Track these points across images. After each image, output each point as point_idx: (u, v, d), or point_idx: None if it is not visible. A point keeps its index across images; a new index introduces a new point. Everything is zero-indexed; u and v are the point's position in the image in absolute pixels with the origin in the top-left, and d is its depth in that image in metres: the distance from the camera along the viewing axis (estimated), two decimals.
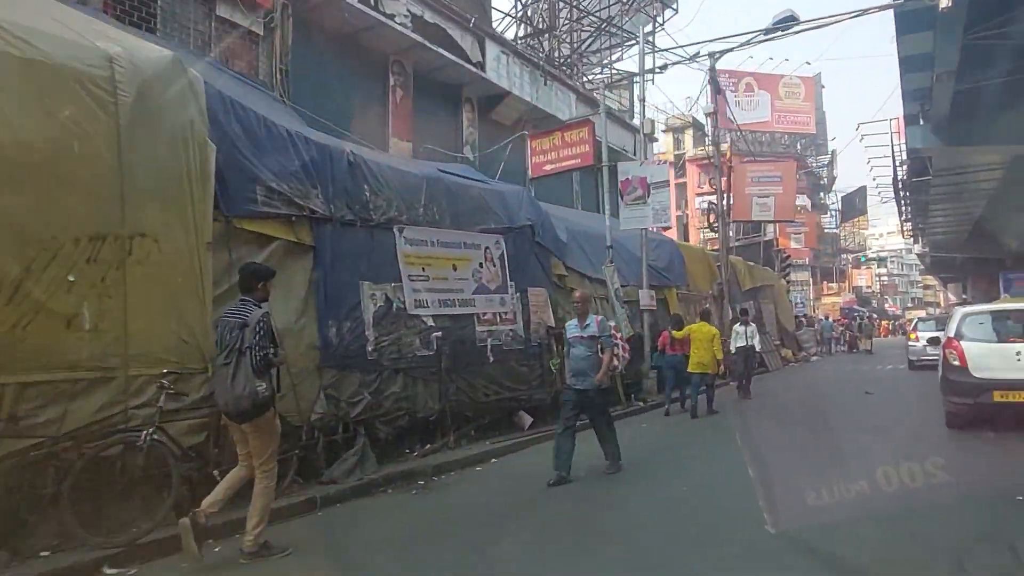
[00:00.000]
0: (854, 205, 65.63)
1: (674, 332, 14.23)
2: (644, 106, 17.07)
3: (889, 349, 35.20)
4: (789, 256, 34.42)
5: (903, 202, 40.89)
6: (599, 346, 7.61)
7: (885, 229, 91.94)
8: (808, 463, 7.16)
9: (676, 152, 63.22)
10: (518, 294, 10.98)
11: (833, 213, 72.00)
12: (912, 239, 57.45)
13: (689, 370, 13.78)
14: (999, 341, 8.99)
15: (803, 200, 61.20)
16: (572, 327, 7.87)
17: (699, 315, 14.56)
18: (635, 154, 28.54)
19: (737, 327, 15.07)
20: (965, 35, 15.77)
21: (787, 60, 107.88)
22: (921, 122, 25.89)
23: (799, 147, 66.15)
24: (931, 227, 48.11)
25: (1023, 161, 28.61)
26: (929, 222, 47.28)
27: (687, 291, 18.40)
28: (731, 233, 45.76)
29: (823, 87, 64.28)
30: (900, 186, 34.92)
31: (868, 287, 61.17)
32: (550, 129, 16.33)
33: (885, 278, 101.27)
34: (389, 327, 8.53)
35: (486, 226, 10.59)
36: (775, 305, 26.88)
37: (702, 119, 62.12)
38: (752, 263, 28.35)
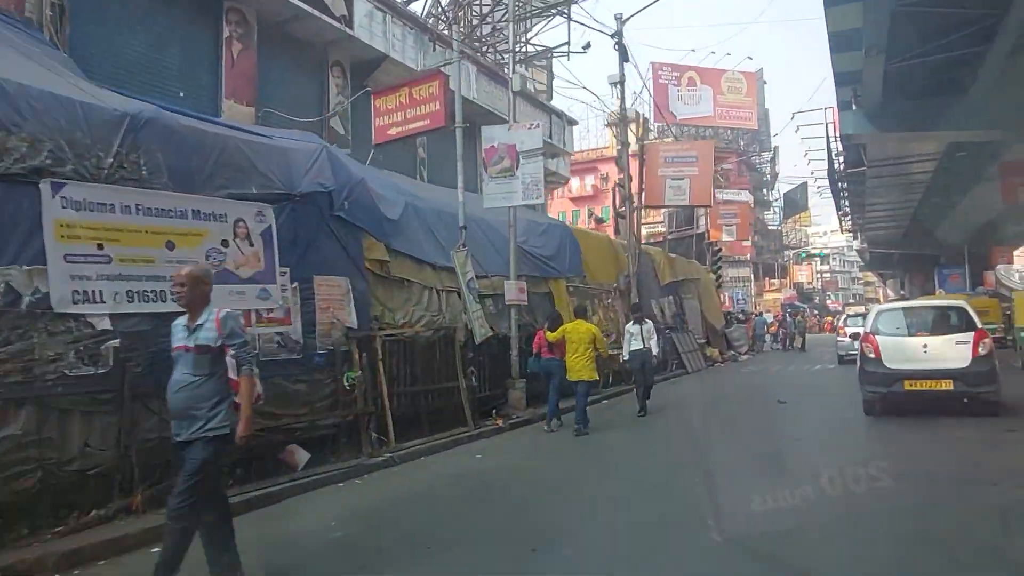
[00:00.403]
0: (796, 201, 63.96)
1: (547, 333, 11.34)
2: (513, 58, 13.92)
3: (825, 346, 33.01)
4: (721, 249, 31.82)
5: (840, 195, 38.85)
6: (233, 364, 4.27)
7: (829, 227, 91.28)
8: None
9: (619, 147, 60.62)
10: (295, 284, 7.86)
11: (776, 210, 70.41)
12: (852, 235, 55.96)
13: (568, 378, 10.93)
14: (909, 335, 9.45)
15: (745, 196, 59.18)
16: (178, 329, 4.39)
17: (575, 312, 11.68)
18: (553, 138, 25.70)
19: (630, 327, 12.05)
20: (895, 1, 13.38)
21: (729, 54, 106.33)
22: (854, 107, 23.51)
23: (742, 143, 64.26)
24: (869, 222, 46.45)
25: (957, 150, 26.56)
26: (867, 217, 45.56)
27: (583, 284, 15.46)
28: (664, 227, 43.35)
29: (765, 83, 62.36)
30: (836, 177, 32.67)
31: (809, 283, 59.52)
32: (396, 85, 13.12)
33: (827, 274, 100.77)
34: (8, 333, 5.37)
35: (243, 191, 7.45)
36: (700, 300, 24.28)
37: (640, 109, 59.71)
38: (675, 255, 25.71)
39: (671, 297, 21.16)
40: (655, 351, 11.73)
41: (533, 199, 11.56)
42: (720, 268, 29.65)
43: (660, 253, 23.00)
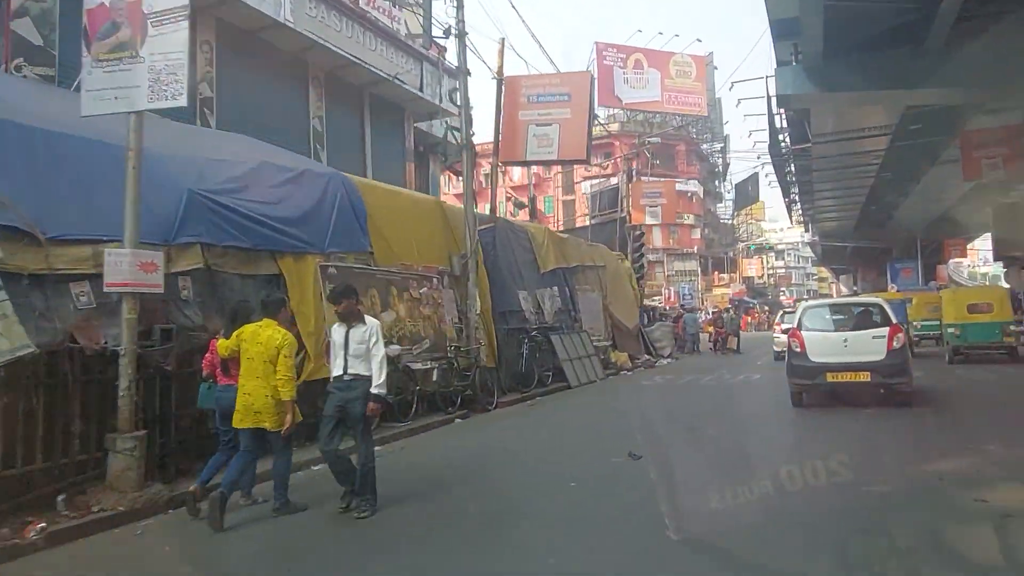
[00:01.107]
0: (747, 193, 59.15)
1: (221, 342, 5.98)
2: None
3: (768, 346, 27.88)
4: (643, 234, 26.46)
5: (787, 178, 33.89)
6: None
7: (786, 224, 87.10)
8: None
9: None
10: None
11: (728, 203, 65.64)
12: (803, 227, 51.40)
13: (234, 423, 5.61)
14: (832, 330, 9.74)
15: (694, 185, 54.16)
16: None
17: (261, 306, 6.27)
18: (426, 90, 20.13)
19: (335, 329, 6.39)
20: None
21: (677, 36, 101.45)
22: (794, 63, 18.35)
23: (693, 132, 59.30)
24: (820, 211, 41.76)
25: (912, 122, 21.63)
26: (817, 206, 40.87)
27: (372, 266, 9.91)
28: (589, 208, 37.97)
29: (716, 68, 57.32)
30: (780, 154, 27.52)
31: (760, 278, 54.91)
32: None
33: (782, 269, 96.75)
34: None
35: None
36: (606, 294, 19.26)
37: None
38: (568, 236, 20.44)
39: (555, 288, 15.76)
40: (378, 381, 6.03)
41: (168, 100, 6.03)
42: (643, 256, 24.33)
43: (542, 231, 17.50)
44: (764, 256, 58.51)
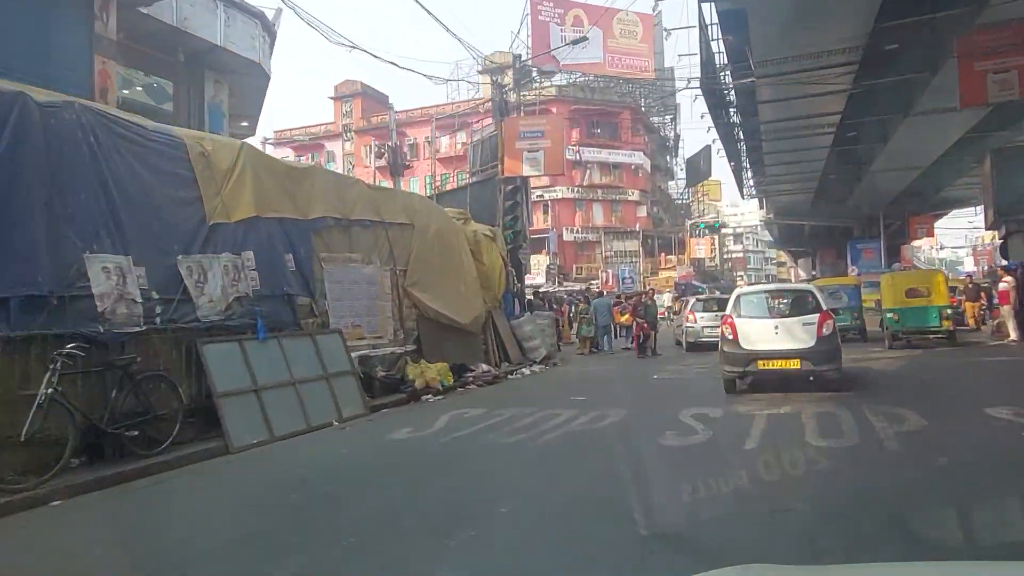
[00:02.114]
0: (699, 168, 54.18)
1: None
2: None
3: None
4: (518, 188, 20.20)
5: (734, 134, 28.78)
6: None
7: (747, 208, 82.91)
8: None
9: (496, 98, 49.10)
10: None
11: (679, 181, 60.69)
12: (757, 201, 46.73)
13: None
14: (764, 317, 9.59)
15: (639, 158, 48.91)
16: None
17: None
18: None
19: None
20: None
21: None
22: None
23: (642, 102, 54.04)
24: (772, 182, 36.99)
25: (888, 39, 16.47)
26: (770, 176, 36.08)
27: None
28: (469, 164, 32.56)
29: (667, 32, 51.94)
30: (715, 86, 22.14)
31: (711, 260, 50.19)
32: None
33: (739, 253, 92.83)
34: None
35: None
36: (406, 269, 11.69)
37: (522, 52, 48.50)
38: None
39: (245, 255, 8.32)
40: None
41: None
42: (518, 221, 18.55)
43: (218, 144, 8.71)
44: (717, 236, 53.61)
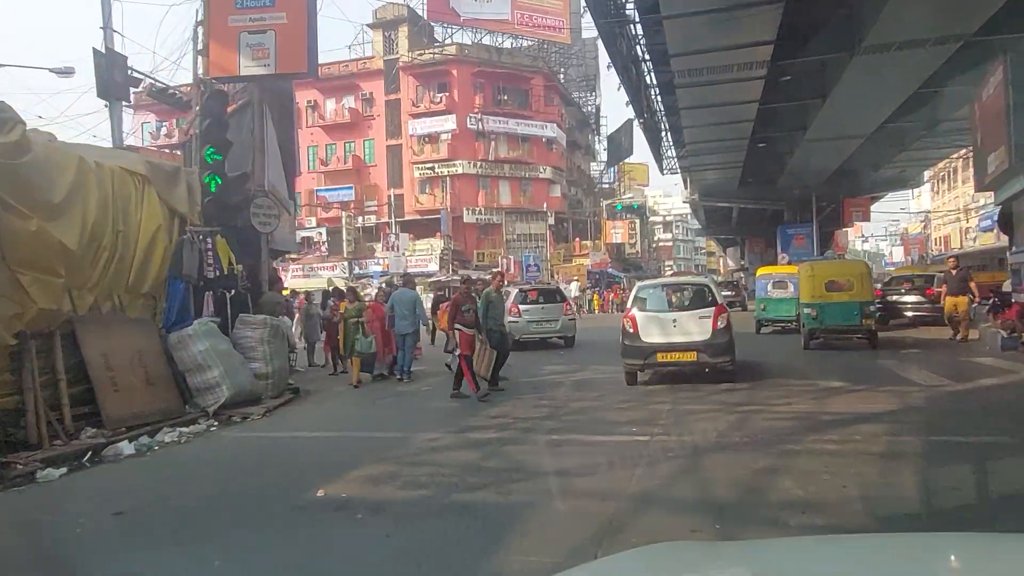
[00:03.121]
0: (620, 144, 49.10)
1: None
2: None
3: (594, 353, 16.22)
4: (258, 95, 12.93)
5: (645, 93, 23.42)
6: None
7: (680, 198, 78.81)
8: None
9: (387, 57, 42.64)
10: None
11: (604, 163, 55.60)
12: (680, 179, 41.99)
13: None
14: (662, 311, 9.69)
15: (552, 130, 43.25)
16: None
17: None
18: None
19: None
20: None
21: None
22: None
23: (561, 73, 48.52)
24: (694, 153, 32.11)
25: None
26: (690, 147, 31.16)
27: None
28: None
29: None
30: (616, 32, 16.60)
31: (631, 245, 45.07)
32: None
33: (668, 242, 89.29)
34: None
35: None
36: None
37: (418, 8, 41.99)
38: None
39: None
40: None
41: None
42: (231, 155, 11.37)
43: None
44: (639, 221, 48.67)
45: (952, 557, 1.44)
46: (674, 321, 9.36)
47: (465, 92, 40.92)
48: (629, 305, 10.00)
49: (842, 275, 13.66)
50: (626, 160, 52.44)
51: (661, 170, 33.19)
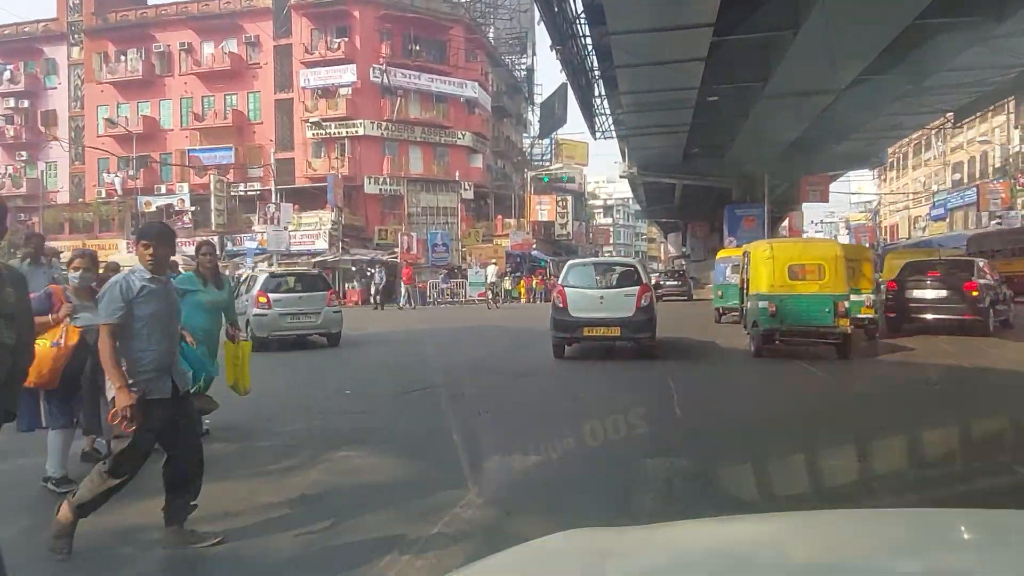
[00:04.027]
0: (553, 111, 43.60)
1: None
2: None
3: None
4: None
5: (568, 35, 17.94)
6: None
7: (620, 187, 74.00)
8: None
9: None
10: None
11: (535, 137, 49.98)
12: (620, 152, 36.80)
13: None
14: (591, 288, 9.93)
15: (472, 90, 37.28)
16: None
17: None
18: None
19: None
20: None
21: None
22: None
23: (490, 26, 42.53)
24: (630, 111, 26.86)
25: None
26: (627, 105, 25.91)
27: None
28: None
29: None
30: None
31: (562, 227, 39.50)
32: None
33: (609, 225, 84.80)
34: None
35: None
36: None
37: None
38: None
39: None
40: None
41: None
42: None
43: None
44: (571, 199, 43.34)
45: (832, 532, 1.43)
46: (601, 298, 9.70)
47: (369, 38, 34.52)
48: (560, 281, 10.34)
49: (811, 258, 10.12)
50: (561, 132, 47.12)
51: (593, 134, 27.80)
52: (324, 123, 33.86)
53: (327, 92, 34.70)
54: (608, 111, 26.10)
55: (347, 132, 34.39)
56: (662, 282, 27.41)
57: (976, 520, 1.43)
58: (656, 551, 1.38)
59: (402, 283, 24.16)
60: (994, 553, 1.26)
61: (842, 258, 10.07)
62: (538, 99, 47.88)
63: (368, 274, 29.37)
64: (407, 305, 24.71)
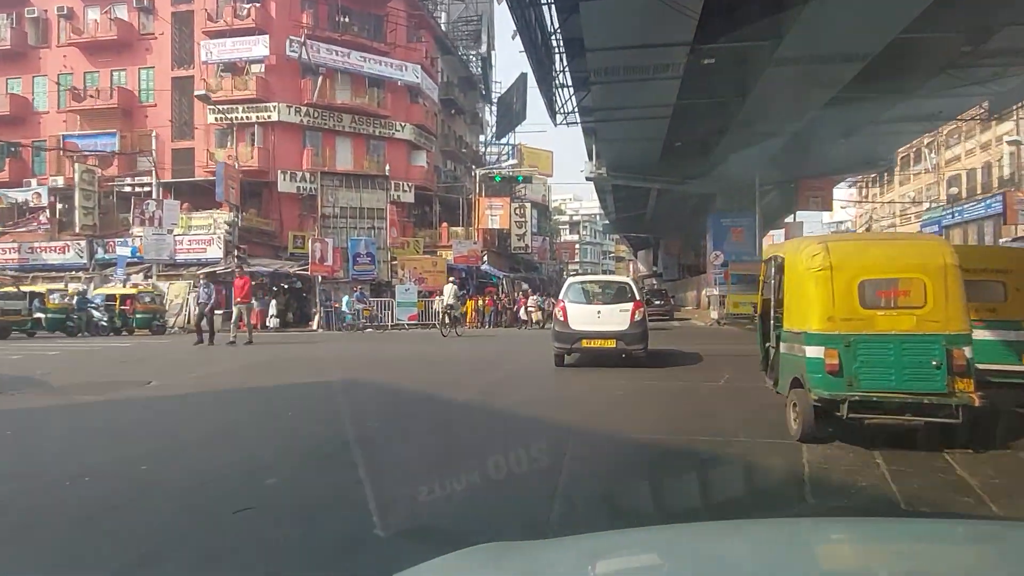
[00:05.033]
0: (511, 107, 38.28)
1: None
2: None
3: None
4: None
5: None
6: None
7: (591, 202, 68.90)
8: None
9: None
10: None
11: (491, 133, 44.60)
12: (587, 150, 31.50)
13: None
14: (589, 303, 11.05)
15: (418, 75, 31.74)
16: None
17: None
18: None
19: None
20: None
21: None
22: None
23: (441, 6, 37.19)
24: (601, 96, 21.45)
25: None
26: (596, 87, 20.35)
27: None
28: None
29: None
30: None
31: (519, 238, 33.57)
32: None
33: (577, 246, 79.71)
34: None
35: None
36: None
37: None
38: None
39: None
40: None
41: None
42: None
43: None
44: (534, 209, 37.85)
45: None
46: (599, 312, 10.71)
47: (287, 5, 28.82)
48: (560, 297, 11.28)
49: (901, 269, 5.89)
50: (520, 130, 41.78)
51: (554, 120, 22.39)
52: (229, 105, 27.92)
53: (234, 68, 28.80)
54: (571, 86, 20.68)
55: (257, 117, 28.47)
56: (651, 300, 24.32)
57: (969, 531, 1.51)
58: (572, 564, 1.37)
59: (235, 303, 15.06)
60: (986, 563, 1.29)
61: (956, 269, 5.58)
62: (497, 97, 42.62)
63: (204, 292, 23.41)
64: (235, 338, 14.68)
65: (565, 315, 10.55)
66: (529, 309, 23.96)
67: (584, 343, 10.31)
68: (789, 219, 29.10)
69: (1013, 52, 14.81)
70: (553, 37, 16.36)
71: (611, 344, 10.21)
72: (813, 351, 5.62)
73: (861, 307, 5.55)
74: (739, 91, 19.34)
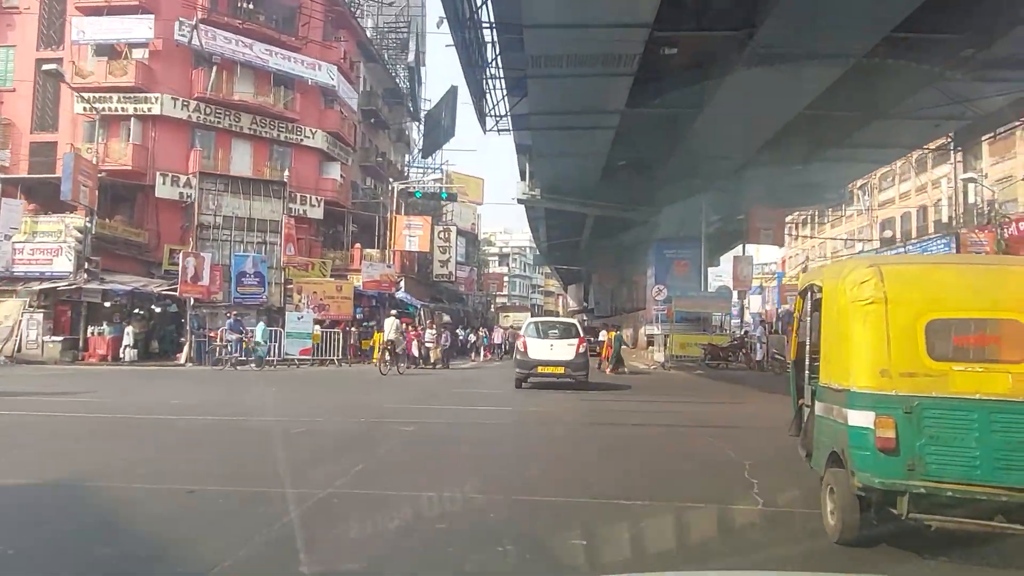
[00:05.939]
0: (439, 122, 35.11)
1: None
2: None
3: None
4: None
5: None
6: None
7: (523, 234, 66.35)
8: None
9: None
10: None
11: (418, 151, 41.20)
12: (520, 170, 28.54)
13: None
14: (544, 338, 14.01)
15: (332, 76, 28.14)
16: None
17: None
18: None
19: None
20: None
21: None
22: None
23: (368, 24, 33.89)
24: (539, 101, 18.21)
25: None
26: (533, 99, 16.89)
27: None
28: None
29: None
30: None
31: (441, 264, 30.12)
32: None
33: (505, 278, 76.86)
34: None
35: None
36: None
37: None
38: None
39: None
40: None
41: None
42: None
43: None
44: (459, 235, 34.54)
45: None
46: (551, 346, 13.58)
47: None
48: (522, 333, 14.53)
49: (998, 305, 4.10)
50: (447, 147, 38.63)
51: (484, 127, 19.27)
52: (101, 94, 23.49)
53: (113, 52, 24.42)
54: (504, 89, 17.63)
55: (136, 109, 24.10)
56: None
57: None
58: None
59: None
60: None
61: None
62: (424, 114, 39.40)
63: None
64: None
65: (526, 347, 13.74)
66: (427, 345, 20.06)
67: (540, 368, 13.45)
68: (738, 252, 26.80)
69: (1017, 61, 12.77)
70: (484, 8, 13.25)
71: (560, 371, 13.42)
72: (858, 417, 4.09)
73: (930, 358, 4.03)
74: (696, 101, 16.81)
